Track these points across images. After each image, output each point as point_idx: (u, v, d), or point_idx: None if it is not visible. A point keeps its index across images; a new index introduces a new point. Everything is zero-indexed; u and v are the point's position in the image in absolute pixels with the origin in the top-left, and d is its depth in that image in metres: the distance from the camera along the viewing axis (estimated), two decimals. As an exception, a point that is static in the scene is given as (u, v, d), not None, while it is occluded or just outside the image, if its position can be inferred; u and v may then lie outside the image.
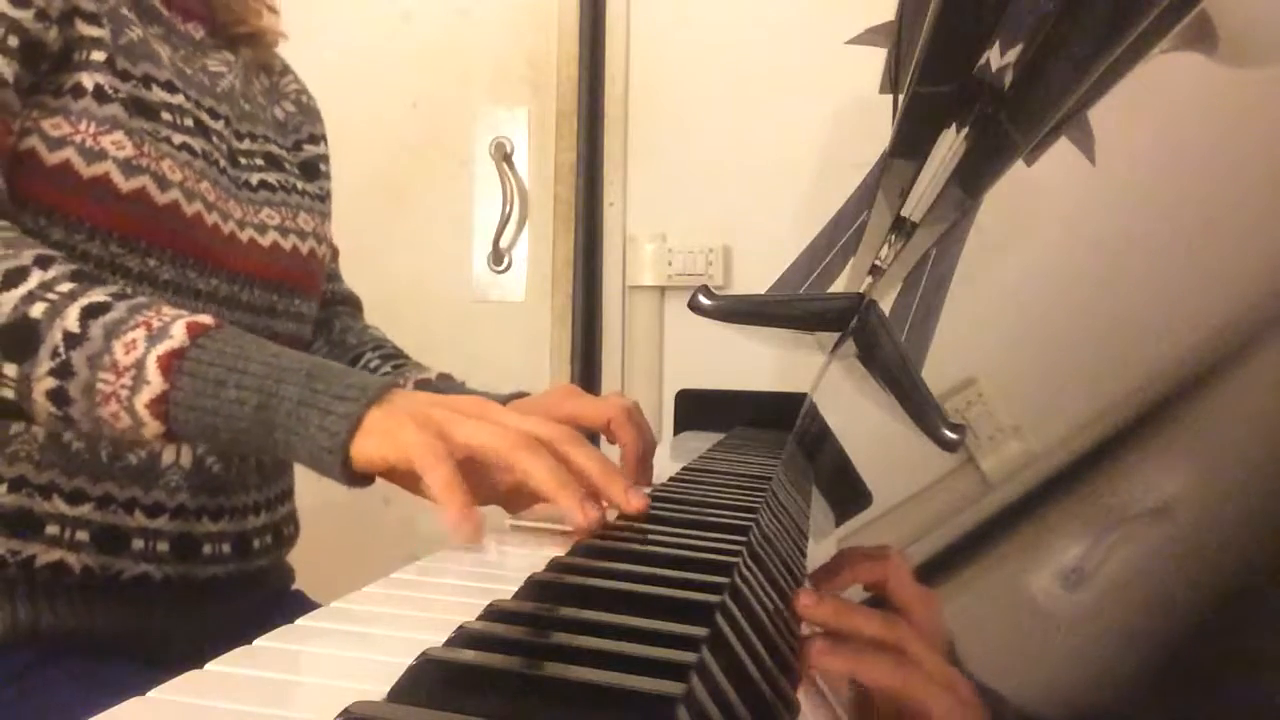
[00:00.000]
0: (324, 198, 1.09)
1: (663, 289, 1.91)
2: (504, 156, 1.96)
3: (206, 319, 0.70)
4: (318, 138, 1.12)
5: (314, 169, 1.09)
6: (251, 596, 0.97)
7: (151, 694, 0.36)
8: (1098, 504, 0.34)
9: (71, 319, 0.68)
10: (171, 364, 0.67)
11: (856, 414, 0.83)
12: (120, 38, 0.86)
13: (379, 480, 0.69)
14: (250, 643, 0.42)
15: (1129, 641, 0.28)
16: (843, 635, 0.50)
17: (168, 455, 0.89)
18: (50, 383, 0.68)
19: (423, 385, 1.03)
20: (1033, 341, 0.49)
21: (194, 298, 0.89)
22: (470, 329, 1.92)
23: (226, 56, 1.01)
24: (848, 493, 0.69)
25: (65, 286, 0.69)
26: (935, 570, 0.45)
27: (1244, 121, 0.40)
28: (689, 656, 0.37)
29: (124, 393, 0.67)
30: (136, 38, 0.88)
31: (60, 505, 0.84)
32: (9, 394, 0.69)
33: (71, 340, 0.67)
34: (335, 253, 1.18)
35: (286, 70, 1.15)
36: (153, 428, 0.68)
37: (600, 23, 1.91)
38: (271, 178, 1.00)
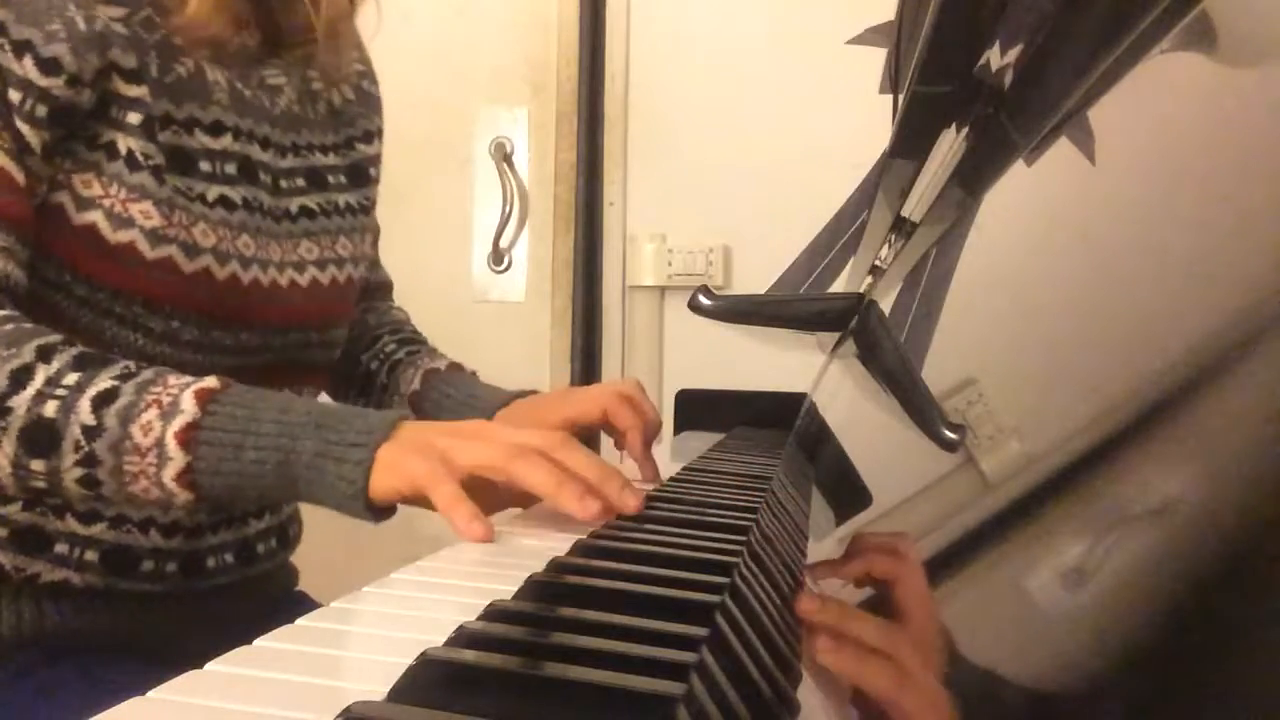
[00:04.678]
0: (368, 209, 1.01)
1: (663, 289, 1.91)
2: (504, 156, 1.96)
3: (213, 382, 0.73)
4: (372, 134, 1.03)
5: (362, 174, 1.01)
6: (256, 600, 0.96)
7: (151, 694, 0.36)
8: (1098, 504, 0.34)
9: (85, 412, 0.71)
10: (189, 437, 0.70)
11: (856, 414, 0.83)
12: (168, 74, 0.82)
13: None
14: (251, 643, 0.42)
15: (1129, 641, 0.28)
16: (844, 636, 0.51)
17: None
18: (78, 472, 0.71)
19: (432, 376, 1.01)
20: (1033, 341, 0.49)
21: (220, 353, 0.86)
22: (470, 329, 1.92)
23: (284, 62, 0.94)
24: (848, 493, 0.69)
25: (71, 379, 0.71)
26: (935, 570, 0.45)
27: (1244, 121, 0.40)
28: (689, 656, 0.37)
29: (151, 470, 0.71)
30: (186, 72, 0.84)
31: (72, 524, 0.84)
32: (39, 485, 0.73)
33: (90, 432, 0.70)
34: (375, 236, 1.10)
35: (355, 46, 1.03)
36: (183, 497, 0.72)
37: (600, 23, 1.91)
38: (312, 201, 0.94)
